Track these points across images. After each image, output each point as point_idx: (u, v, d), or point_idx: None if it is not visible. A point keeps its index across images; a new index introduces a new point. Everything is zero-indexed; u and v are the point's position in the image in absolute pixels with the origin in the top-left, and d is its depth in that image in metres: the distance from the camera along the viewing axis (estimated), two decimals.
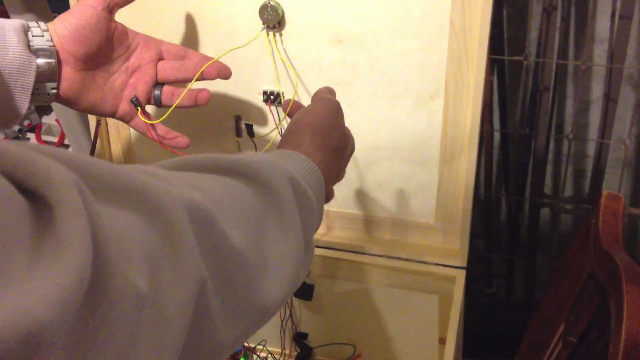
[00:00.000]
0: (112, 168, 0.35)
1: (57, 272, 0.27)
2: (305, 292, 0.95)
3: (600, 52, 1.22)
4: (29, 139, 1.49)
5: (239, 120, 0.65)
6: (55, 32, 0.64)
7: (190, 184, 0.41)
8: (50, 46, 0.63)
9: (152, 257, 0.34)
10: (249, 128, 0.79)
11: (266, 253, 0.44)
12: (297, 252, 0.48)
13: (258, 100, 0.84)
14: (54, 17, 0.66)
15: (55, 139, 1.45)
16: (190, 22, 0.82)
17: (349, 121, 0.82)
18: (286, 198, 0.47)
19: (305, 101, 0.83)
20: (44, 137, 1.46)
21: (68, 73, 0.65)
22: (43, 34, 0.63)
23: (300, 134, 0.58)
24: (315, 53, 0.80)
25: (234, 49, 0.76)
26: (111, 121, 0.93)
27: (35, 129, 1.48)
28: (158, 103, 0.72)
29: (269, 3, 0.77)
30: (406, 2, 0.74)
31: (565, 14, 1.18)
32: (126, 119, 0.71)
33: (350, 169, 0.86)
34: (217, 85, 0.85)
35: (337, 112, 0.63)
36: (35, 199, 0.29)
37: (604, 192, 0.67)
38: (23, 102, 0.62)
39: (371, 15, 0.76)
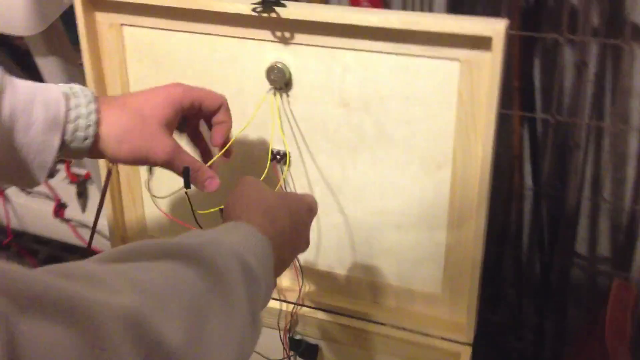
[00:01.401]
0: (43, 281, 0.34)
1: None
2: (309, 352, 0.92)
3: (636, 106, 1.17)
4: (58, 170, 1.51)
5: (186, 173, 0.65)
6: (105, 127, 0.61)
7: (129, 280, 0.40)
8: (87, 146, 0.60)
9: None
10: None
11: (208, 340, 0.43)
12: (243, 330, 0.47)
13: (264, 159, 0.83)
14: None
15: (84, 171, 1.47)
16: (198, 78, 0.81)
17: (355, 185, 0.80)
18: (231, 276, 0.46)
19: (310, 164, 0.81)
20: (74, 170, 1.48)
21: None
22: (87, 132, 0.59)
23: (240, 208, 0.58)
24: (322, 116, 0.78)
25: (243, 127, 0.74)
26: (122, 171, 0.93)
27: (65, 160, 1.50)
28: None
29: (276, 65, 0.76)
30: (413, 70, 0.71)
31: (599, 68, 1.13)
32: None
33: (356, 232, 0.83)
34: None
35: (259, 183, 0.64)
36: None
37: (615, 282, 0.63)
38: (40, 176, 0.60)
39: (378, 81, 0.74)
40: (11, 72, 0.59)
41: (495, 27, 0.64)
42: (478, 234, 0.76)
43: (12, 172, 0.59)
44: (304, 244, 0.64)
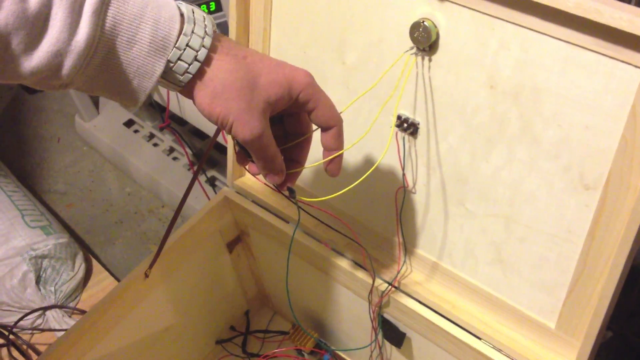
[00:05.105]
0: None
1: None
2: (396, 337, 0.84)
3: None
4: None
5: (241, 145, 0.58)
6: (210, 71, 0.54)
7: None
8: (186, 79, 0.54)
9: None
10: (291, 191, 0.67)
11: None
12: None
13: (386, 122, 0.73)
14: None
15: None
16: (340, 18, 0.72)
17: (482, 180, 0.69)
18: None
19: (435, 142, 0.71)
20: None
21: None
22: (190, 68, 0.53)
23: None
24: (463, 92, 0.66)
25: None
26: None
27: None
28: None
29: (423, 22, 0.64)
30: (582, 66, 0.57)
31: None
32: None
33: (472, 231, 0.73)
34: (345, 91, 0.75)
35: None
36: None
37: None
38: (138, 98, 0.54)
39: (536, 68, 0.60)
40: None
41: None
42: (612, 278, 0.62)
43: (109, 88, 0.54)
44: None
